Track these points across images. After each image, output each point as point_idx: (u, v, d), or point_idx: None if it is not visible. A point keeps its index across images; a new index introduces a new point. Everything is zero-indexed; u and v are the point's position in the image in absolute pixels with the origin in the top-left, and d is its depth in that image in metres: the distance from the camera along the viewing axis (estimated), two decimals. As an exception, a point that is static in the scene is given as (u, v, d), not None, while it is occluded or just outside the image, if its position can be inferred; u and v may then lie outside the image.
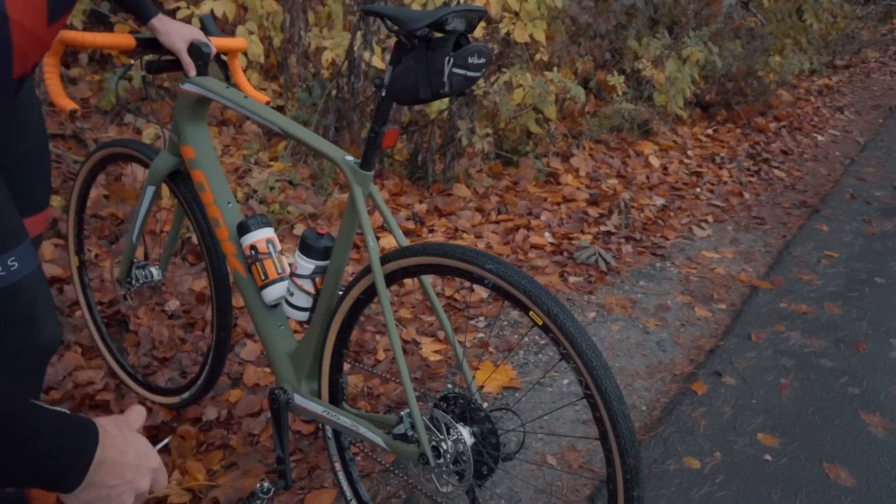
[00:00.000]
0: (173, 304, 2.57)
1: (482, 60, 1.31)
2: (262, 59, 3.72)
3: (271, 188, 3.40)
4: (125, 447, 0.85)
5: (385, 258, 1.48)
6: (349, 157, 1.49)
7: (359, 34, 3.41)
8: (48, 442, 0.78)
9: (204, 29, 1.83)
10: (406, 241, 1.55)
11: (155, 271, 1.97)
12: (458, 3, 3.51)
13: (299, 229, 3.25)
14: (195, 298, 2.65)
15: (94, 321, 2.17)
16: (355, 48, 3.42)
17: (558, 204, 4.09)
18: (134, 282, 1.96)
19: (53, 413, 0.81)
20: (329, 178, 3.69)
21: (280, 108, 4.19)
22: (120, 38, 1.62)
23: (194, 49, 1.69)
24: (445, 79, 1.27)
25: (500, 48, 4.53)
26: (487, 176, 4.26)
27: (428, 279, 1.60)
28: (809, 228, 4.14)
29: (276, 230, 2.69)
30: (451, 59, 1.26)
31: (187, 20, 3.96)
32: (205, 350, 2.40)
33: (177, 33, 1.67)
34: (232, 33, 3.72)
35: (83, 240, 2.15)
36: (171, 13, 3.90)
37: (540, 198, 4.13)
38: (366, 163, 1.46)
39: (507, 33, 4.15)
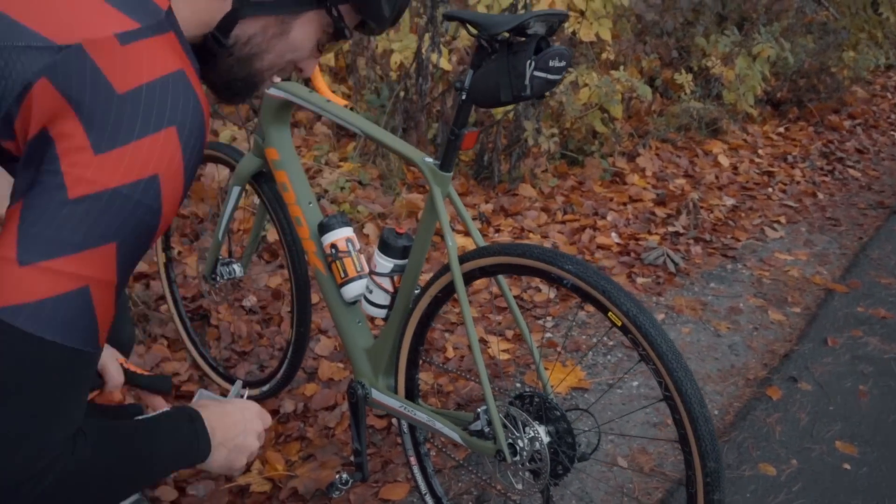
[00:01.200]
0: (251, 300, 2.67)
1: (563, 63, 1.33)
2: (332, 63, 3.81)
3: (342, 188, 3.48)
4: (222, 409, 1.08)
5: (463, 258, 1.51)
6: (428, 159, 1.52)
7: (427, 37, 3.45)
8: (171, 437, 0.94)
9: None
10: (483, 241, 1.57)
11: (238, 268, 2.05)
12: (525, 3, 3.53)
13: (369, 229, 3.31)
14: (271, 295, 2.74)
15: (179, 316, 2.27)
16: (423, 51, 3.47)
17: (625, 204, 4.06)
18: (219, 278, 2.04)
19: (157, 416, 0.97)
20: (397, 179, 3.75)
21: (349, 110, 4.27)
22: None
23: None
24: (527, 82, 1.29)
25: (565, 47, 4.51)
26: (553, 176, 4.25)
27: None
28: (887, 230, 4.00)
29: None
30: (533, 63, 1.28)
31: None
32: (281, 345, 2.48)
33: None
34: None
35: (169, 237, 2.25)
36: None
37: (606, 198, 4.11)
38: (445, 164, 1.50)
39: (573, 32, 4.14)
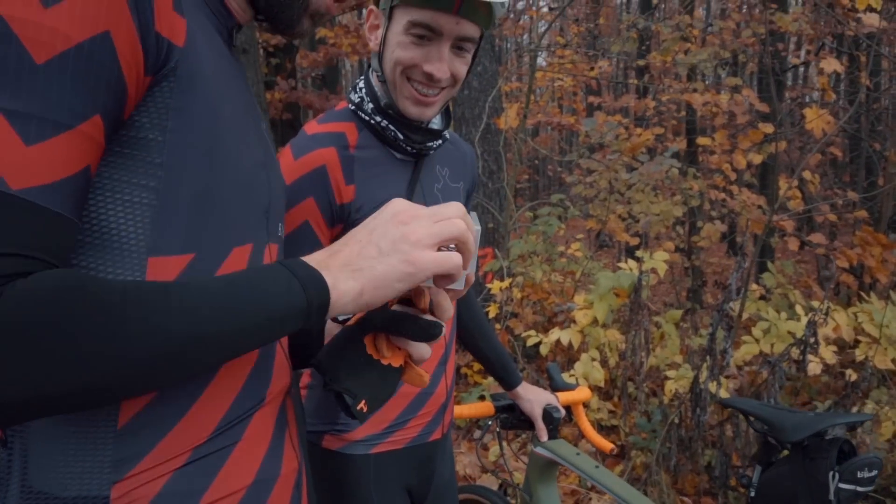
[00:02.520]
0: None
1: (874, 473, 1.15)
2: (601, 384, 3.81)
3: (606, 521, 3.26)
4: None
5: None
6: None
7: (704, 366, 3.34)
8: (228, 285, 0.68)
9: (550, 378, 1.94)
10: None
11: None
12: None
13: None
14: None
15: None
16: (700, 381, 3.35)
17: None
18: None
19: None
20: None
21: (614, 429, 4.16)
22: (481, 407, 1.79)
23: (546, 414, 1.78)
24: (832, 496, 1.13)
25: (857, 374, 4.07)
26: (860, 525, 3.60)
27: None
28: None
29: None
30: (837, 475, 1.13)
31: (535, 347, 4.31)
32: None
33: (536, 400, 1.79)
34: (574, 360, 3.92)
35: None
36: (521, 339, 4.28)
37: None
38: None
39: (865, 358, 3.74)
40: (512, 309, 4.60)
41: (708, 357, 3.31)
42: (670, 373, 3.62)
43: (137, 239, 0.64)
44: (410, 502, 1.45)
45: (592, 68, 8.64)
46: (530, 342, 3.78)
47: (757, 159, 5.13)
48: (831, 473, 1.14)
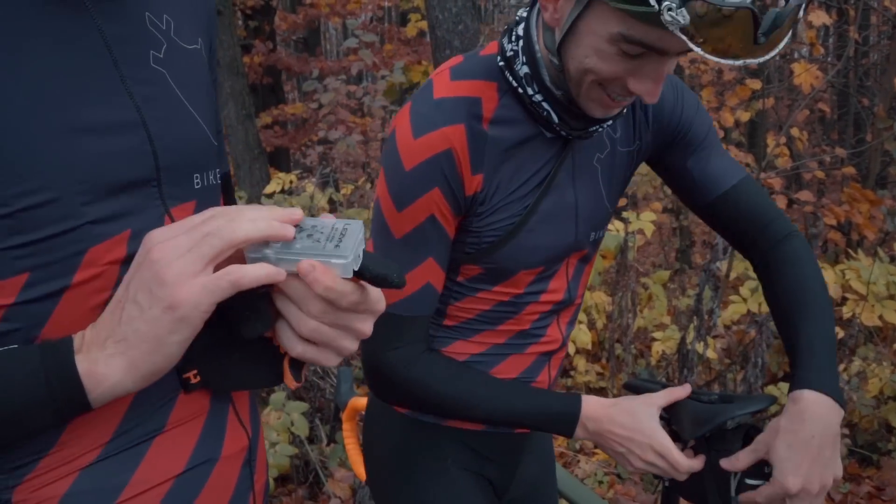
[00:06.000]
0: None
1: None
2: (589, 347, 3.80)
3: (599, 482, 3.27)
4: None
5: None
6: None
7: (691, 327, 3.33)
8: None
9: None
10: None
11: None
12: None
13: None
14: None
15: None
16: (688, 342, 3.34)
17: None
18: None
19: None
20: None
21: (601, 390, 4.16)
22: None
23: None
24: (733, 493, 1.09)
25: (844, 331, 4.08)
26: (844, 480, 3.63)
27: None
28: None
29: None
30: (739, 474, 1.09)
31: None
32: None
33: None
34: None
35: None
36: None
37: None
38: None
39: (853, 316, 3.75)
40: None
41: (695, 317, 3.29)
42: (657, 334, 3.61)
43: None
44: (493, 491, 1.32)
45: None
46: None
47: (745, 117, 5.07)
48: (733, 475, 1.07)
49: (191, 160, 0.73)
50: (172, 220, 0.70)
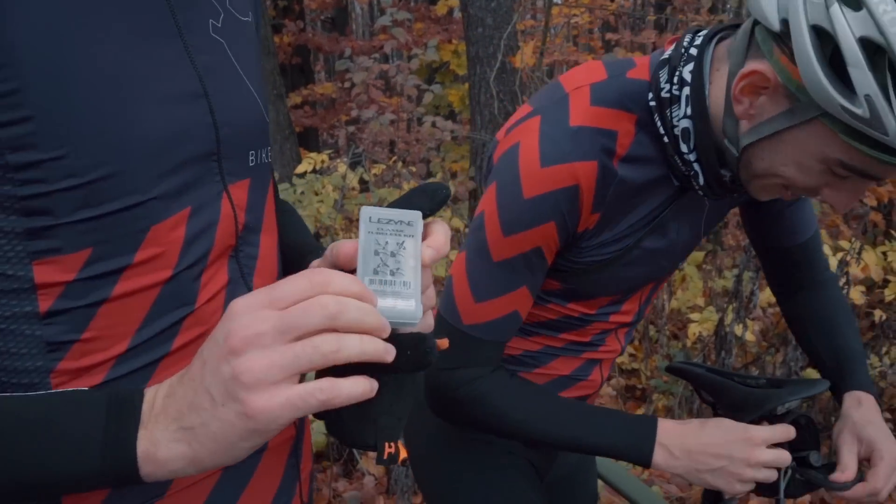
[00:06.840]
0: None
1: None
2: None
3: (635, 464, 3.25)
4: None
5: None
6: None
7: (730, 308, 3.28)
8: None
9: None
10: None
11: None
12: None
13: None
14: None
15: None
16: (726, 324, 3.28)
17: None
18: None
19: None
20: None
21: (635, 372, 4.13)
22: None
23: None
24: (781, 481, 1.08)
25: (887, 314, 3.99)
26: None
27: None
28: None
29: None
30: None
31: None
32: None
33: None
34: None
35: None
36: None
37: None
38: None
39: (894, 298, 3.66)
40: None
41: (734, 299, 3.24)
42: (694, 315, 3.56)
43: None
44: (535, 472, 1.30)
45: (613, 1, 8.34)
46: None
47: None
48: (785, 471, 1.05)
49: (247, 135, 0.70)
50: (230, 198, 0.68)
